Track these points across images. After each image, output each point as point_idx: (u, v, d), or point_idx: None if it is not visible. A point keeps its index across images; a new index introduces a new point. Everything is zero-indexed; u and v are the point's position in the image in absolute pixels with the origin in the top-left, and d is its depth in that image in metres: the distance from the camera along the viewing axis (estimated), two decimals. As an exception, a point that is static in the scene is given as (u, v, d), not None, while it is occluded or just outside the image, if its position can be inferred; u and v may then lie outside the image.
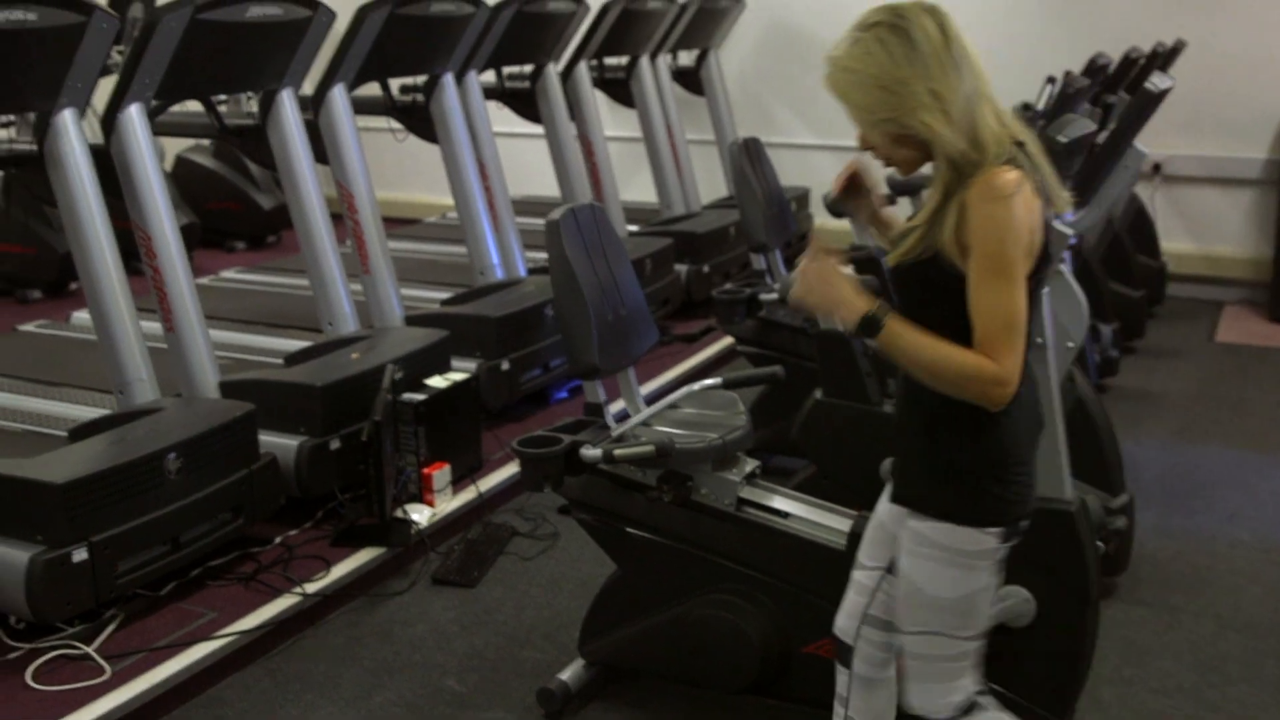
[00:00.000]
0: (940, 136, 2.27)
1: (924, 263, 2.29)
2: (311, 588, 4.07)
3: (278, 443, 4.41)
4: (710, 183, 8.64)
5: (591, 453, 3.25)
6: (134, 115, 4.52)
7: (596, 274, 3.40)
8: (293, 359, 4.96)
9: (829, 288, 2.37)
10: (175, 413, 4.24)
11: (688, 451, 3.21)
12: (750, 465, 3.38)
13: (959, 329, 2.26)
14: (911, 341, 2.28)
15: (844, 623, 2.67)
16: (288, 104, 5.15)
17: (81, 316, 6.52)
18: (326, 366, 4.66)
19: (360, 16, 5.35)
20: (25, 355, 5.83)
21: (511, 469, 4.89)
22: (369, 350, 4.86)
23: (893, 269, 2.38)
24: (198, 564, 4.12)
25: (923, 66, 2.27)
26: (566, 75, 7.39)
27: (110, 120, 4.51)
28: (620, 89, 8.07)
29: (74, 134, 4.33)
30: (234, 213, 8.94)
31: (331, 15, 5.12)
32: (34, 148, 4.37)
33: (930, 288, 2.31)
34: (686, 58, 8.71)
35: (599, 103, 7.69)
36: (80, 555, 3.65)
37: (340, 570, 4.19)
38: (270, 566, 4.22)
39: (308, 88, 5.37)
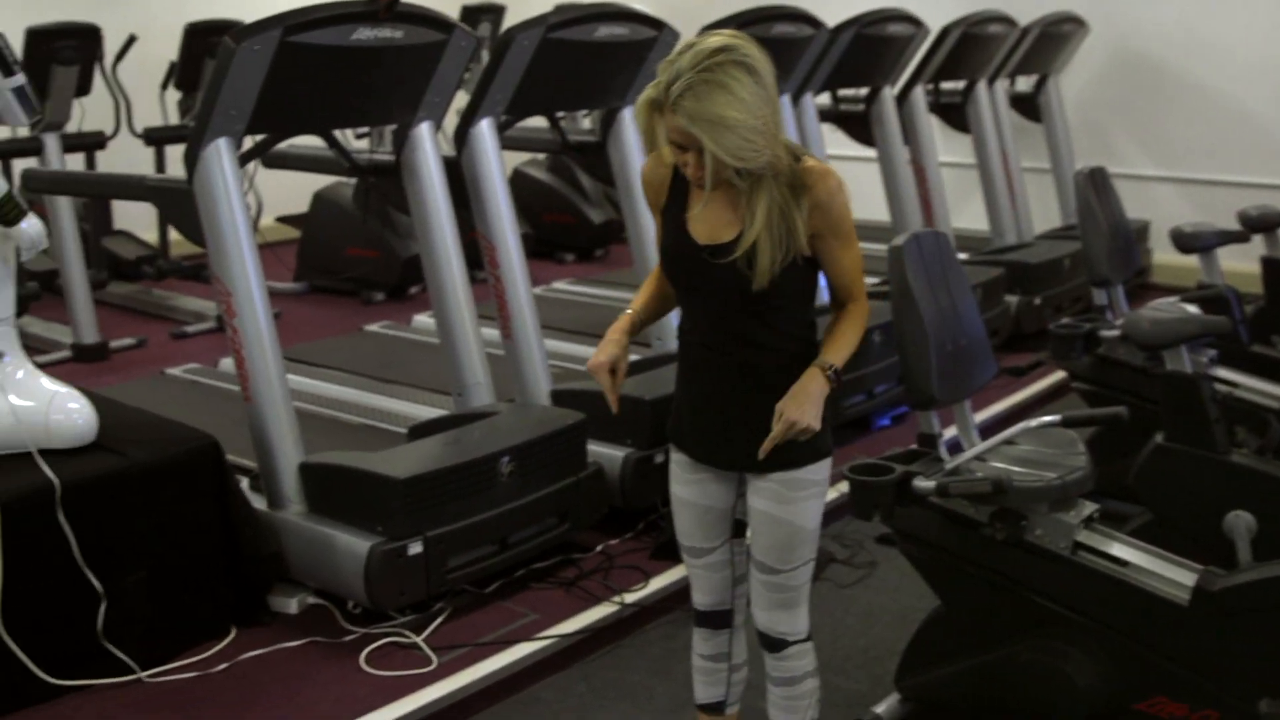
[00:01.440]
0: (778, 160, 2.53)
1: (789, 265, 2.58)
2: (630, 598, 4.12)
3: (604, 453, 4.49)
4: (1044, 212, 8.38)
5: (925, 484, 3.18)
6: (485, 130, 4.69)
7: (937, 302, 3.33)
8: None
9: (813, 404, 2.61)
10: (509, 417, 4.38)
11: (1025, 490, 3.11)
12: (1089, 509, 3.24)
13: (810, 294, 2.72)
14: (847, 348, 2.70)
15: (719, 595, 2.94)
16: (629, 122, 5.25)
17: (422, 320, 6.83)
18: (655, 381, 4.71)
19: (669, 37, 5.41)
20: (369, 354, 6.13)
21: (832, 494, 4.83)
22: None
23: (759, 290, 2.58)
24: (522, 565, 4.24)
25: (772, 104, 2.50)
26: (902, 99, 7.30)
27: (463, 133, 4.70)
28: (955, 114, 7.92)
29: (429, 146, 4.53)
30: (566, 226, 9.20)
31: (675, 35, 5.20)
32: (392, 158, 4.59)
33: (799, 279, 2.64)
34: (1024, 83, 8.49)
35: (933, 127, 7.57)
36: (415, 548, 3.80)
37: (658, 583, 4.23)
38: (591, 573, 4.30)
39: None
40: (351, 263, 8.04)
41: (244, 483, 4.13)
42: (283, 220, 8.58)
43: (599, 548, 4.48)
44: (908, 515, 3.35)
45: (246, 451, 4.25)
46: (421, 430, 4.45)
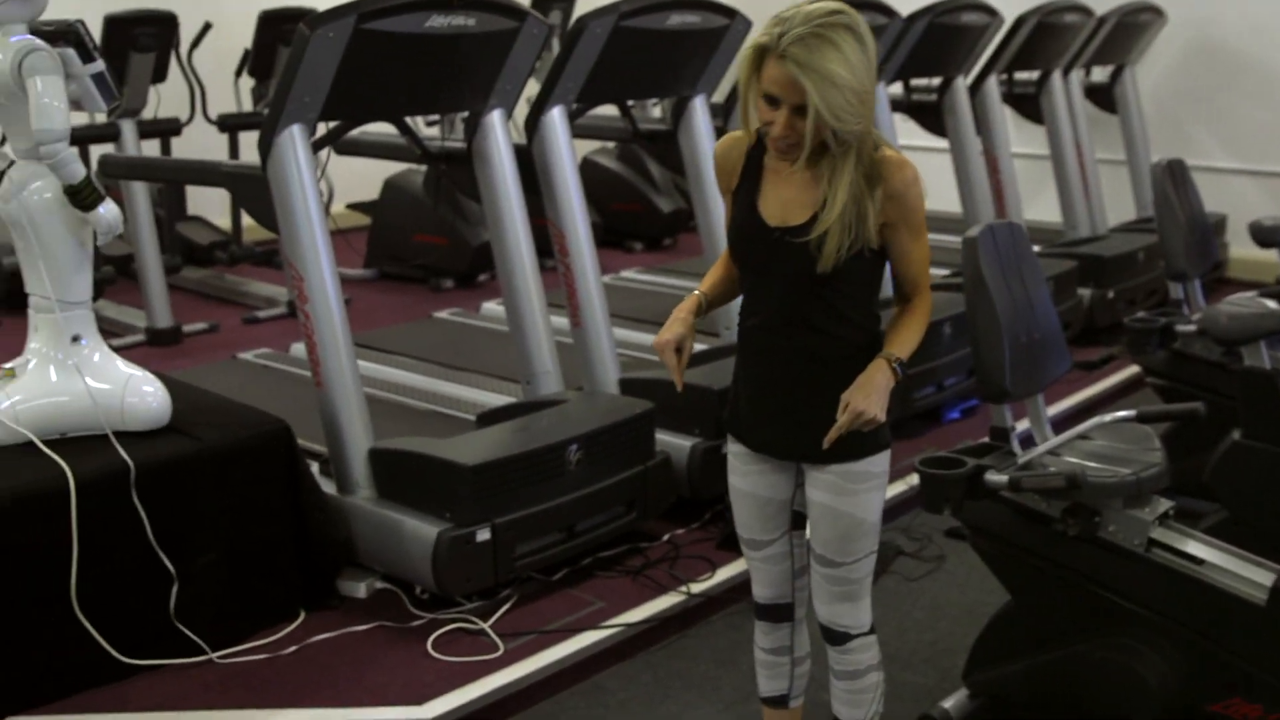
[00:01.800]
0: (868, 136, 2.54)
1: (855, 254, 2.56)
2: (697, 588, 4.12)
3: (672, 442, 4.49)
4: (1118, 205, 8.26)
5: (997, 478, 3.15)
6: (556, 118, 4.70)
7: (1011, 294, 3.29)
8: (692, 361, 5.02)
9: (879, 395, 2.57)
10: (578, 405, 4.38)
11: (1099, 486, 3.06)
12: (1164, 505, 3.19)
13: (876, 284, 2.69)
14: (912, 342, 2.67)
15: (780, 588, 2.92)
16: (700, 111, 5.24)
17: (490, 307, 6.86)
18: (723, 370, 4.68)
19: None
20: (438, 341, 6.16)
21: (900, 486, 4.82)
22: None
23: (824, 273, 2.57)
24: (589, 553, 4.24)
25: (874, 77, 2.50)
26: (975, 89, 7.22)
27: (534, 121, 4.70)
28: (1029, 104, 7.83)
29: (501, 133, 4.54)
30: (635, 214, 9.19)
31: (748, 24, 5.17)
32: (464, 145, 4.60)
33: (866, 267, 2.62)
34: (1100, 73, 8.38)
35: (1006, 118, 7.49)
36: (484, 535, 3.82)
37: (725, 573, 4.22)
38: (657, 563, 4.29)
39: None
40: (421, 249, 8.08)
41: (314, 467, 4.15)
42: (354, 207, 8.64)
43: (666, 537, 4.47)
44: (979, 509, 3.32)
45: (317, 436, 4.28)
46: (490, 417, 4.46)
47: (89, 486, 3.46)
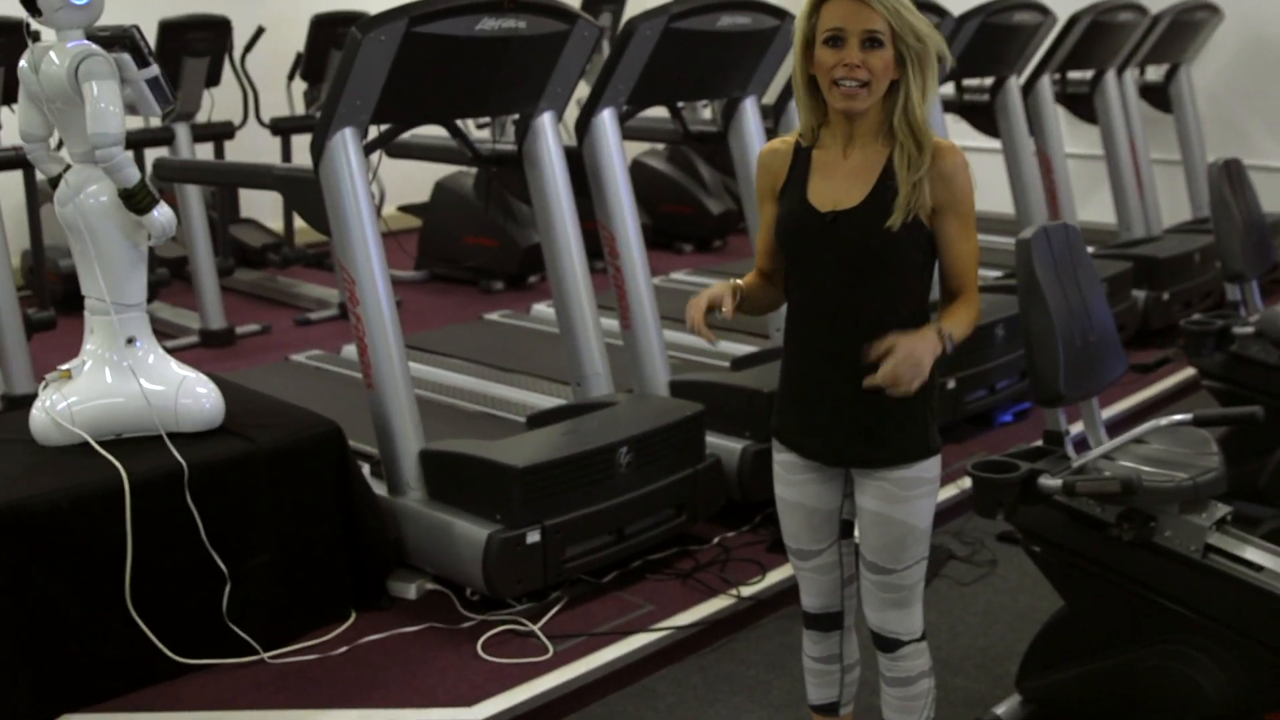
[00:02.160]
0: (927, 97, 2.55)
1: (909, 222, 2.54)
2: (747, 591, 4.10)
3: (722, 445, 4.48)
4: (1173, 205, 8.18)
5: (1050, 483, 3.12)
6: (606, 120, 4.70)
7: (1066, 297, 3.26)
8: (739, 363, 5.03)
9: (927, 353, 2.48)
10: (628, 408, 4.38)
11: (1155, 490, 3.03)
12: (1221, 511, 3.14)
13: (926, 278, 2.66)
14: (963, 325, 2.58)
15: (829, 598, 2.89)
16: (750, 112, 5.22)
17: (540, 309, 6.87)
18: (774, 373, 4.67)
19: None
20: (489, 343, 6.18)
21: (951, 490, 4.78)
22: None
23: (885, 233, 2.55)
24: (639, 556, 4.24)
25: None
26: (1028, 88, 7.16)
27: (584, 123, 4.70)
28: (1082, 104, 7.76)
29: (551, 136, 4.54)
30: (684, 216, 9.18)
31: (798, 25, 5.16)
32: (514, 148, 4.61)
33: (913, 241, 2.57)
34: (1154, 72, 8.29)
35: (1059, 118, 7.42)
36: (534, 537, 3.82)
37: (775, 576, 4.20)
38: (707, 566, 4.28)
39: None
40: (471, 251, 8.11)
41: (365, 468, 4.17)
42: (404, 209, 8.68)
43: (716, 540, 4.46)
44: (1032, 514, 3.29)
45: (368, 437, 4.30)
46: (540, 419, 4.47)
47: (143, 487, 3.49)
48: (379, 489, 4.12)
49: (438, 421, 4.65)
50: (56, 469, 3.55)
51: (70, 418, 3.65)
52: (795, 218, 2.66)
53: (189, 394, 3.76)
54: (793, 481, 2.80)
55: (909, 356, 2.46)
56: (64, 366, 3.76)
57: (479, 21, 4.05)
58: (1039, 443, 3.37)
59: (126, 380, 3.71)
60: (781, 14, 5.02)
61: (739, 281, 2.76)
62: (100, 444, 3.61)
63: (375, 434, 4.14)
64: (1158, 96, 8.27)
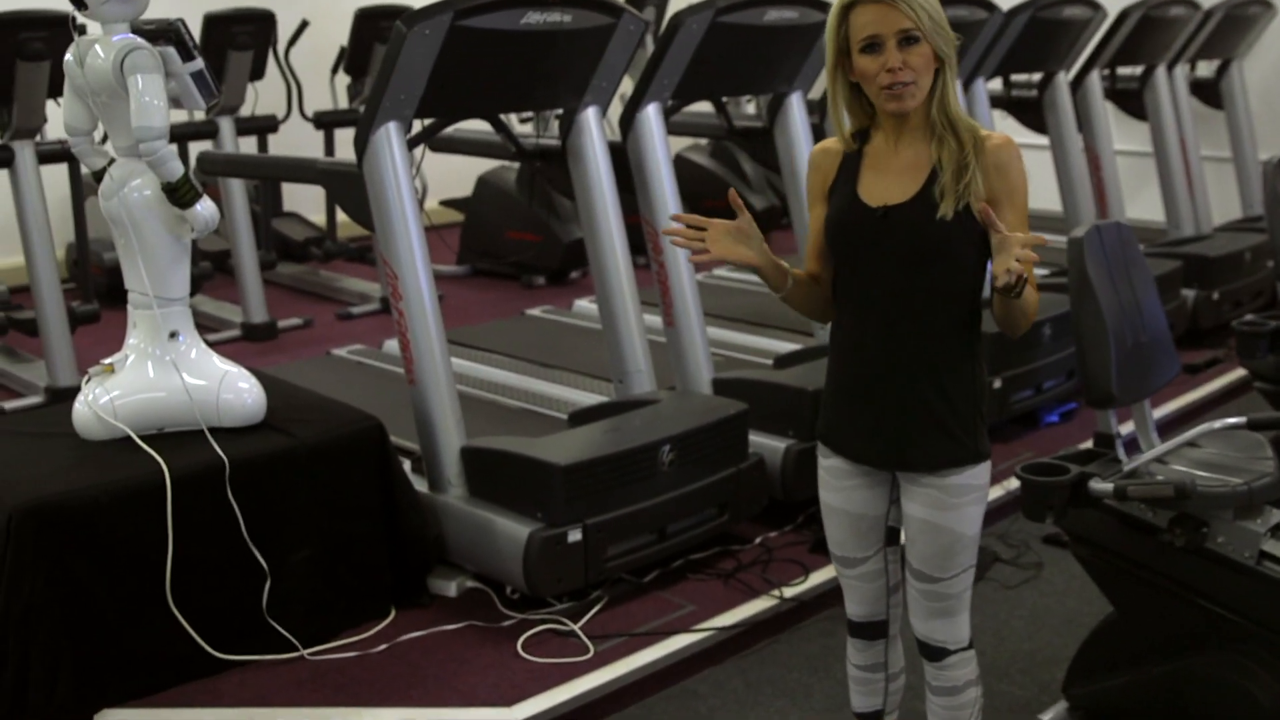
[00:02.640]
0: (955, 89, 2.54)
1: (960, 214, 2.50)
2: (789, 592, 4.06)
3: (765, 444, 4.44)
4: (1223, 203, 8.07)
5: (1101, 486, 3.06)
6: (651, 115, 4.66)
7: (1118, 296, 3.20)
8: (783, 361, 4.98)
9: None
10: (670, 406, 4.34)
11: (1209, 495, 2.96)
12: (1276, 517, 3.07)
13: (978, 274, 2.59)
14: (1025, 300, 2.45)
15: (874, 606, 2.83)
16: (796, 107, 5.18)
17: (582, 305, 6.84)
18: (818, 371, 4.62)
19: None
20: (531, 338, 6.15)
21: (997, 491, 4.72)
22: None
23: (937, 226, 2.51)
24: (680, 555, 4.20)
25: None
26: (1077, 84, 7.08)
27: (629, 118, 4.67)
28: (1131, 100, 7.66)
29: (595, 131, 4.51)
30: (729, 212, 9.07)
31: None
32: (558, 143, 4.58)
33: (967, 235, 2.52)
34: (1205, 68, 8.18)
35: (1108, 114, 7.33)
36: (575, 536, 3.79)
37: (818, 578, 4.16)
38: (749, 566, 4.24)
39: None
40: (514, 246, 8.09)
41: (406, 465, 4.16)
42: (447, 204, 8.67)
43: (758, 540, 4.42)
44: (1082, 518, 3.24)
45: (409, 433, 4.28)
46: (582, 416, 4.44)
47: (185, 482, 3.49)
48: (420, 485, 4.10)
49: (479, 418, 4.63)
50: (98, 463, 3.54)
51: (113, 412, 3.65)
52: (845, 214, 2.61)
53: (231, 389, 3.75)
54: (839, 487, 2.74)
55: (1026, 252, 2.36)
56: (107, 361, 3.76)
57: (524, 15, 4.02)
58: (1088, 445, 3.32)
59: (169, 374, 3.70)
60: (827, 8, 4.97)
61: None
62: (142, 438, 3.61)
63: (417, 430, 4.12)
64: (1208, 92, 8.15)
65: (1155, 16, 7.06)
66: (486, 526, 3.88)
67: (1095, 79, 7.15)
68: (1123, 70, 7.54)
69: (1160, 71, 7.49)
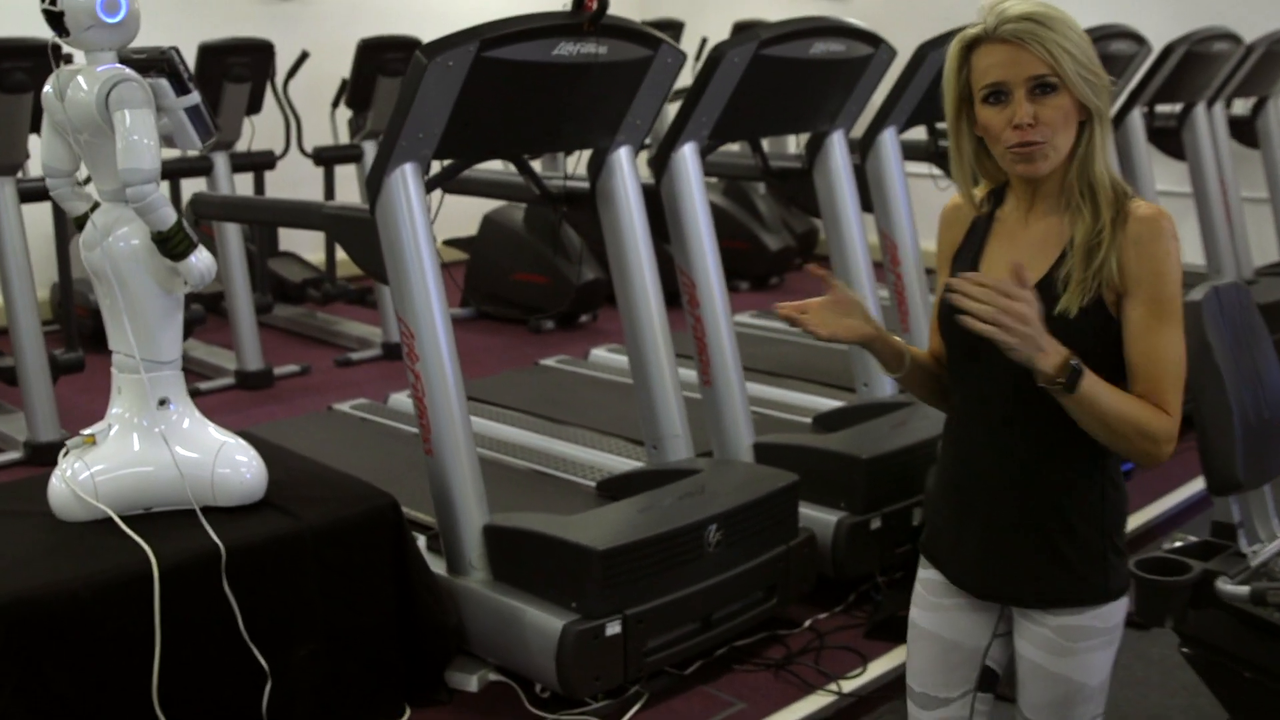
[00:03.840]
0: (1106, 147, 2.10)
1: (1089, 308, 2.06)
2: (847, 686, 3.65)
3: (815, 517, 4.02)
4: (1261, 245, 7.71)
5: (1233, 589, 2.67)
6: (688, 155, 4.28)
7: (1239, 367, 2.82)
8: (824, 420, 4.59)
9: (1030, 325, 1.96)
10: (713, 477, 3.92)
11: (1366, 603, 2.57)
12: None
13: (1111, 378, 2.05)
14: (1106, 392, 2.01)
15: None
16: (838, 147, 4.80)
17: (599, 354, 6.45)
18: (869, 435, 4.23)
19: (921, 55, 4.93)
20: (547, 392, 5.74)
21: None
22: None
23: (1058, 323, 2.04)
24: (724, 643, 3.79)
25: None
26: (1118, 122, 6.71)
27: (663, 159, 4.29)
28: (1168, 139, 7.30)
29: (628, 173, 4.12)
30: (741, 252, 8.71)
31: (892, 53, 4.74)
32: (587, 185, 4.19)
33: (1098, 337, 2.07)
34: (1239, 106, 7.82)
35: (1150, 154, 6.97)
36: (614, 629, 3.38)
37: (877, 668, 3.75)
38: (800, 654, 3.83)
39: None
40: (521, 289, 7.71)
41: (420, 541, 3.75)
42: (451, 243, 8.28)
43: (807, 623, 4.00)
44: (1202, 618, 2.84)
45: (422, 503, 3.89)
46: (613, 486, 4.04)
47: (174, 572, 3.07)
48: (437, 566, 3.69)
49: (497, 484, 4.19)
50: (77, 550, 3.13)
51: (94, 490, 3.23)
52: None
53: (227, 463, 3.33)
54: (933, 605, 2.32)
55: (1024, 319, 1.94)
56: (87, 431, 3.34)
57: (556, 46, 3.63)
58: (1192, 536, 2.94)
59: (157, 447, 3.28)
60: (877, 41, 4.61)
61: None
62: (127, 520, 3.19)
63: (434, 506, 3.70)
64: (1244, 131, 7.80)
65: (1199, 52, 6.71)
66: (513, 616, 3.47)
67: (1137, 116, 6.79)
68: (1160, 108, 7.18)
69: (1200, 109, 7.14)
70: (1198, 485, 5.17)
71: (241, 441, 3.41)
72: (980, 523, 2.22)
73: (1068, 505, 2.15)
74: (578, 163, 4.34)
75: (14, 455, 5.48)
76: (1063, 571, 2.16)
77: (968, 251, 2.24)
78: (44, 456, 5.22)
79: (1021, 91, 2.03)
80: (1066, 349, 2.00)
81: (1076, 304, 2.05)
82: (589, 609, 3.37)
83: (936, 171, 5.98)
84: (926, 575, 2.34)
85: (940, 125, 5.84)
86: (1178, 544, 2.91)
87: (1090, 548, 2.16)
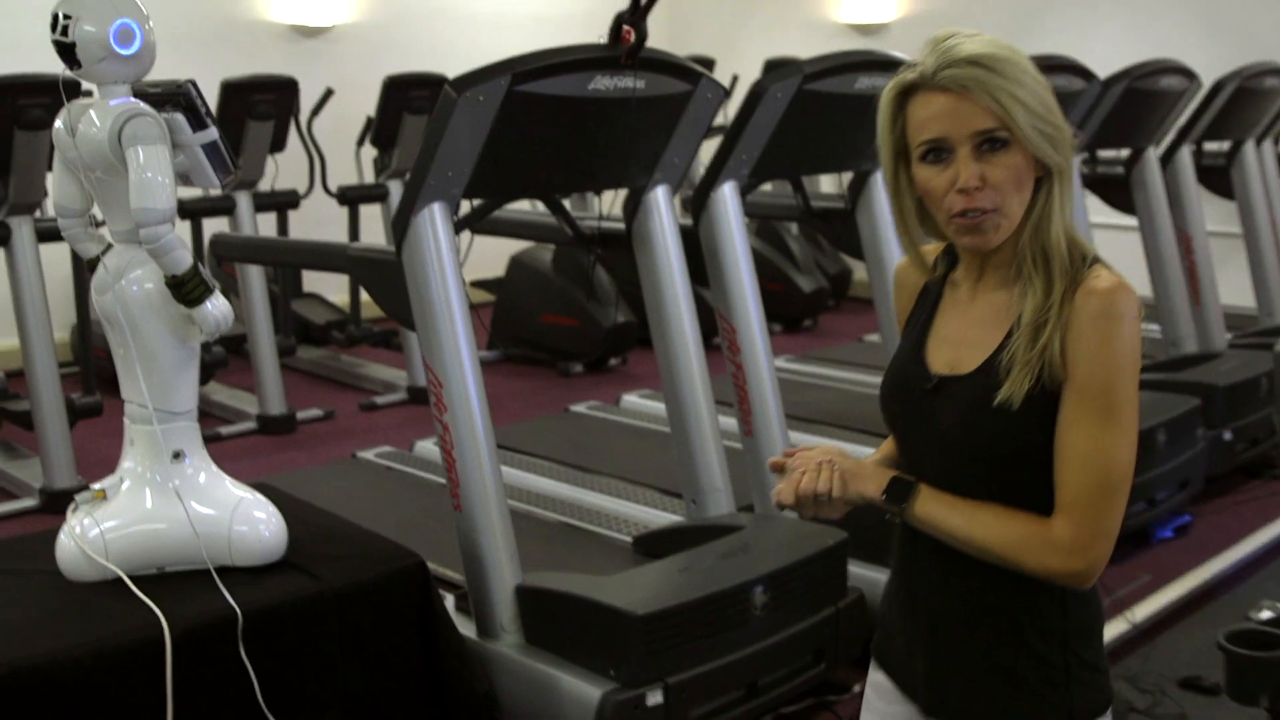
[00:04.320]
0: (1066, 208, 1.77)
1: (1036, 398, 1.74)
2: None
3: (863, 575, 3.80)
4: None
5: (1336, 666, 2.45)
6: (727, 194, 4.10)
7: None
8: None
9: (853, 484, 1.80)
10: (759, 535, 3.71)
11: None
12: None
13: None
14: (963, 515, 1.79)
15: None
16: (882, 188, 4.61)
17: (631, 400, 6.28)
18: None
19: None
20: (579, 441, 5.54)
21: (1121, 626, 4.11)
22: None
23: (999, 414, 1.76)
24: (770, 710, 3.58)
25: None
26: (1166, 160, 6.51)
27: (702, 198, 4.10)
28: (1215, 177, 7.09)
29: (666, 213, 3.94)
30: (774, 294, 8.44)
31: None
32: (622, 227, 4.01)
33: (1049, 433, 1.75)
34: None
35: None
36: (655, 698, 3.16)
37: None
38: (850, 722, 3.62)
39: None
40: (549, 331, 7.54)
41: (448, 600, 3.55)
42: (477, 285, 8.11)
43: (856, 688, 3.78)
44: None
45: (449, 558, 3.70)
46: (650, 542, 3.85)
47: (188, 637, 2.87)
48: (465, 628, 3.48)
49: (528, 538, 3.99)
50: (84, 613, 2.94)
51: (103, 548, 3.04)
52: (898, 374, 1.95)
53: (245, 520, 3.14)
54: (881, 712, 2.02)
55: (817, 485, 1.78)
56: (97, 486, 3.15)
57: (592, 80, 3.45)
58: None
59: (171, 503, 3.09)
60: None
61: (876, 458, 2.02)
62: (138, 581, 3.00)
63: (463, 564, 3.50)
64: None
65: (1250, 88, 6.52)
66: (548, 684, 3.26)
67: (1186, 154, 6.59)
68: (1209, 145, 6.98)
69: (1249, 146, 6.94)
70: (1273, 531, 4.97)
71: (260, 497, 3.22)
72: (926, 632, 1.92)
73: (1021, 617, 1.84)
74: (614, 202, 4.16)
75: (29, 502, 5.32)
76: (1013, 692, 1.85)
77: (916, 321, 1.96)
78: (59, 504, 5.05)
79: (966, 149, 1.73)
80: (892, 471, 1.81)
81: (1021, 393, 1.74)
82: (629, 677, 3.16)
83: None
84: (876, 678, 2.05)
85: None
86: (1265, 614, 2.70)
87: (1049, 665, 1.84)
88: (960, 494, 1.81)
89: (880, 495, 1.80)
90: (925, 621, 1.91)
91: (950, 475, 1.82)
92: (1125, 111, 5.80)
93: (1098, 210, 6.66)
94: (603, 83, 3.47)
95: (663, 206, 3.94)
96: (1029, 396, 1.74)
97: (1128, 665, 4.04)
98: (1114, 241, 7.53)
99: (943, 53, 1.73)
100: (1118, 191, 6.46)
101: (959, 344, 1.86)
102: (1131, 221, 6.47)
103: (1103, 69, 5.66)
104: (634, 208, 3.95)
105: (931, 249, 1.95)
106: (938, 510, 1.79)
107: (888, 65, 4.26)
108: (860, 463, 1.84)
